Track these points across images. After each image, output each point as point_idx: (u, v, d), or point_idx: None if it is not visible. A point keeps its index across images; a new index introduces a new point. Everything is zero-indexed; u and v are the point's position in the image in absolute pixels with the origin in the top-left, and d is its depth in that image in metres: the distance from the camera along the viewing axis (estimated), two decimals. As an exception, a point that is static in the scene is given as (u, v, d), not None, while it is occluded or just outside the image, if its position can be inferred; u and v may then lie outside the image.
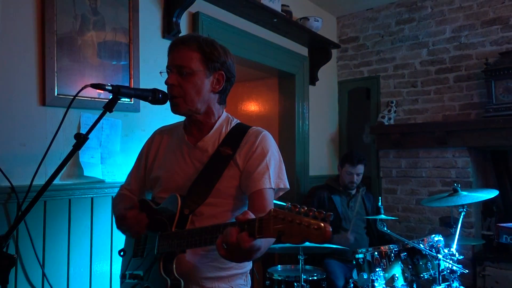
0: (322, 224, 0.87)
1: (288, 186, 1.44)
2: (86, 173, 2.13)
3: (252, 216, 1.03)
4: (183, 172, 1.47)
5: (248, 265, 1.50)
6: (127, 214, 1.40)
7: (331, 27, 4.53)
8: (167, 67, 1.47)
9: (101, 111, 1.36)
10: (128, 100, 2.38)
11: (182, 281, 1.32)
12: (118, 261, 2.26)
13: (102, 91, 1.53)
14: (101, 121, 1.37)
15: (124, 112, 2.38)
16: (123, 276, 1.57)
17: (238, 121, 1.58)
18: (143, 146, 1.69)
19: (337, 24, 4.61)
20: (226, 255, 1.04)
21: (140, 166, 1.66)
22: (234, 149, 1.43)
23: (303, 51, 3.99)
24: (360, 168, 3.32)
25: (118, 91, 1.36)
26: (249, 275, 1.53)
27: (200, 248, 1.33)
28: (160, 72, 1.52)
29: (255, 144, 1.42)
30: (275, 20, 3.32)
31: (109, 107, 1.37)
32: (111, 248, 2.26)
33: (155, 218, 1.41)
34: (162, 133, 1.66)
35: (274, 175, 1.39)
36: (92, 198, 2.17)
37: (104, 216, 2.24)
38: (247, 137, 1.46)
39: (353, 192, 3.40)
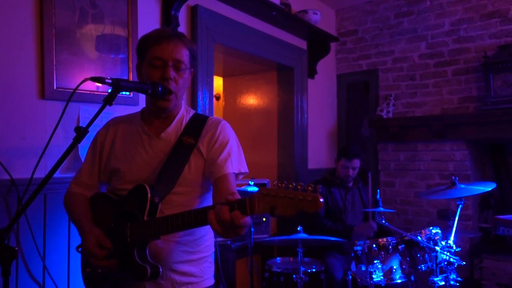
0: (315, 195, 0.98)
1: (247, 170, 1.53)
2: (85, 166, 2.14)
3: (239, 197, 1.13)
4: (146, 163, 1.48)
5: (212, 249, 1.58)
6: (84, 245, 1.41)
7: (330, 20, 4.52)
8: (158, 58, 1.43)
9: (99, 104, 1.36)
10: (127, 93, 2.38)
11: (160, 267, 1.36)
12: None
13: (100, 84, 1.54)
14: (100, 114, 1.38)
15: (123, 105, 2.38)
16: (84, 271, 1.53)
17: (194, 111, 1.63)
18: (95, 138, 1.61)
19: (336, 17, 4.60)
20: (221, 231, 1.09)
21: (95, 158, 1.59)
22: (196, 138, 1.48)
23: (302, 44, 3.99)
24: (356, 162, 3.34)
25: (117, 85, 1.36)
26: (213, 257, 1.60)
27: (172, 234, 1.39)
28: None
29: (216, 133, 1.49)
30: (274, 13, 3.32)
31: (109, 100, 1.37)
32: (111, 241, 2.27)
33: (121, 209, 1.43)
34: (117, 124, 1.61)
35: (235, 160, 1.48)
36: (91, 191, 2.18)
37: (104, 209, 2.25)
38: (207, 126, 1.52)
39: (350, 185, 3.42)
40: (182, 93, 1.53)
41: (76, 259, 2.10)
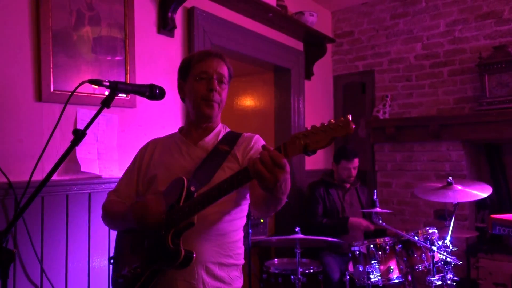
0: (346, 118, 1.06)
1: None
2: (83, 169, 2.14)
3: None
4: (182, 167, 1.53)
5: (242, 261, 1.58)
6: (145, 198, 1.44)
7: (326, 22, 4.53)
8: (204, 73, 1.54)
9: (97, 107, 1.37)
10: (125, 95, 2.38)
11: (193, 252, 1.38)
12: (116, 256, 2.28)
13: (97, 87, 1.54)
14: (98, 117, 1.38)
15: (120, 108, 2.38)
16: (118, 277, 1.56)
17: (230, 129, 1.72)
18: (136, 155, 1.73)
19: (332, 18, 4.62)
20: (264, 169, 1.12)
21: (133, 170, 1.69)
22: (231, 146, 1.56)
23: (299, 45, 4.00)
24: (356, 162, 3.37)
25: (115, 87, 1.37)
26: (241, 272, 1.60)
27: (206, 233, 1.44)
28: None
29: (251, 142, 1.59)
30: (270, 14, 3.32)
31: (106, 103, 1.38)
32: (109, 243, 2.27)
33: None
34: (156, 142, 1.71)
35: None
36: (89, 194, 2.18)
37: (102, 211, 2.25)
38: (242, 138, 1.62)
39: (348, 186, 3.44)
40: (222, 106, 1.61)
41: (74, 261, 2.11)
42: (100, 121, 2.26)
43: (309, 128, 1.12)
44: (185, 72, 1.60)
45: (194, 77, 1.55)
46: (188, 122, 1.64)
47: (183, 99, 1.65)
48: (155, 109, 2.58)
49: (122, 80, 2.39)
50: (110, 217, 1.65)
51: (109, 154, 2.32)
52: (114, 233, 2.28)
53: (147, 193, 1.57)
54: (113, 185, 2.28)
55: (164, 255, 1.38)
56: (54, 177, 2.02)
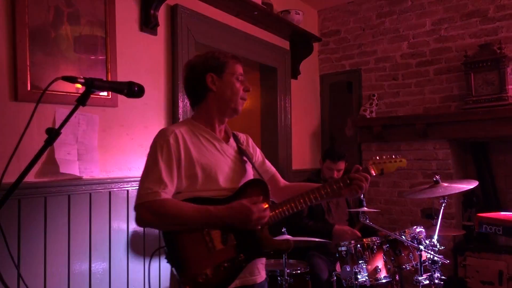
0: (403, 159, 1.85)
1: None
2: (62, 170, 2.07)
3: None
4: (226, 165, 1.68)
5: None
6: (246, 204, 1.54)
7: (312, 21, 4.51)
8: (241, 74, 1.72)
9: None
10: (106, 94, 2.32)
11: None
12: (97, 259, 2.22)
13: (80, 86, 1.48)
14: (77, 116, 1.34)
15: (101, 107, 2.32)
16: (198, 276, 1.52)
17: None
18: (170, 148, 1.58)
19: (318, 17, 4.60)
20: (364, 185, 1.71)
21: (173, 167, 1.58)
22: (242, 144, 1.81)
23: (285, 44, 3.97)
24: (341, 164, 3.32)
25: (91, 84, 1.32)
26: None
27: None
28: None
29: (251, 141, 1.90)
30: (256, 13, 3.29)
31: (82, 100, 1.33)
32: (89, 246, 2.21)
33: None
34: (181, 134, 1.63)
35: None
36: (69, 196, 2.12)
37: (82, 213, 2.19)
38: (241, 137, 1.86)
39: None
40: None
41: (53, 266, 2.04)
42: (80, 121, 2.19)
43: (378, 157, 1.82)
44: (220, 68, 1.68)
45: (232, 75, 1.68)
46: (211, 115, 1.70)
47: (206, 91, 1.67)
48: (137, 108, 2.52)
49: (104, 79, 2.33)
50: (172, 217, 1.52)
51: (90, 154, 2.26)
52: (97, 237, 2.22)
53: (179, 194, 1.60)
54: (95, 186, 2.24)
55: (259, 246, 1.60)
56: (31, 179, 1.97)
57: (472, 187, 2.65)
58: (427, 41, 3.93)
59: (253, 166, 1.78)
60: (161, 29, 2.70)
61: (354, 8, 4.35)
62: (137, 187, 1.57)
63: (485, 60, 3.47)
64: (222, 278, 1.53)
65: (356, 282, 2.52)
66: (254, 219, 1.53)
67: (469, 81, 3.56)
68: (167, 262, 1.54)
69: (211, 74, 1.66)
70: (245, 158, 1.76)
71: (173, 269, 1.53)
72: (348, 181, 1.71)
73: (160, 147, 1.58)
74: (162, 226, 1.55)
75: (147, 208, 1.51)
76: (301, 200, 1.70)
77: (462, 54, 3.63)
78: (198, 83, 1.68)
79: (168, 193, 1.55)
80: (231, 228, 1.56)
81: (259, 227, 1.59)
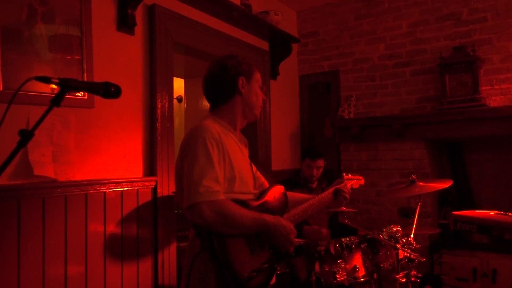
0: (361, 177, 2.36)
1: None
2: (36, 172, 2.03)
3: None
4: (249, 169, 1.77)
5: None
6: (290, 225, 1.71)
7: (291, 22, 4.53)
8: (262, 84, 1.85)
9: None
10: (82, 95, 2.28)
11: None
12: (73, 263, 2.17)
13: (55, 86, 1.45)
14: (52, 117, 1.30)
15: (77, 108, 2.27)
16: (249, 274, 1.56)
17: None
18: (219, 147, 1.58)
19: (297, 18, 4.62)
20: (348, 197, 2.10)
21: (222, 168, 1.58)
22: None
23: (264, 45, 3.97)
24: (320, 162, 3.35)
25: (66, 85, 1.29)
26: None
27: None
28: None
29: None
30: (235, 13, 3.28)
31: (56, 101, 1.29)
32: (65, 250, 2.16)
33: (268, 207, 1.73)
34: (220, 135, 1.63)
35: None
36: (43, 199, 2.07)
37: (58, 217, 2.14)
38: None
39: (314, 186, 3.43)
40: None
41: (27, 271, 1.99)
42: (55, 122, 2.14)
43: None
44: (249, 74, 1.76)
45: (257, 82, 1.79)
46: (235, 117, 1.77)
47: (235, 93, 1.73)
48: (114, 109, 2.48)
49: (81, 80, 2.28)
50: (234, 219, 1.53)
51: (65, 156, 2.21)
52: (73, 240, 2.17)
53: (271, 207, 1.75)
54: (71, 189, 2.20)
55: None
56: (4, 181, 1.91)
57: (447, 186, 2.71)
58: (403, 43, 4.00)
59: (256, 170, 1.87)
60: (139, 29, 2.67)
61: (333, 10, 4.39)
62: (186, 183, 1.52)
63: (459, 62, 3.55)
64: (265, 278, 1.62)
65: (335, 281, 2.54)
66: (293, 240, 1.68)
67: (444, 82, 3.64)
68: (213, 264, 1.51)
69: (242, 77, 1.73)
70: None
71: (220, 270, 1.51)
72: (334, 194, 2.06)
73: (210, 144, 1.56)
74: (222, 227, 1.51)
75: (210, 207, 1.47)
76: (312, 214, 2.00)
77: (437, 56, 3.70)
78: (228, 83, 1.72)
79: (222, 192, 1.55)
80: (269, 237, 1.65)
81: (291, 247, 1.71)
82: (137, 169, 2.62)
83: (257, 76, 1.80)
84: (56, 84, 1.28)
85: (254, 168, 1.85)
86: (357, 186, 2.32)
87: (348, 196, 2.08)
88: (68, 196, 2.18)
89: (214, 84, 1.75)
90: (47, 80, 1.27)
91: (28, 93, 2.01)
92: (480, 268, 3.42)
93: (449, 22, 3.78)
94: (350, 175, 2.29)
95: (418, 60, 3.93)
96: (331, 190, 2.07)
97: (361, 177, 2.35)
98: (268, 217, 1.64)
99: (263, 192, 1.77)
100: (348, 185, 2.17)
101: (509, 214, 1.83)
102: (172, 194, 2.80)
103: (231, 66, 1.72)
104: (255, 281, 1.58)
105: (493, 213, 1.90)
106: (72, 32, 2.28)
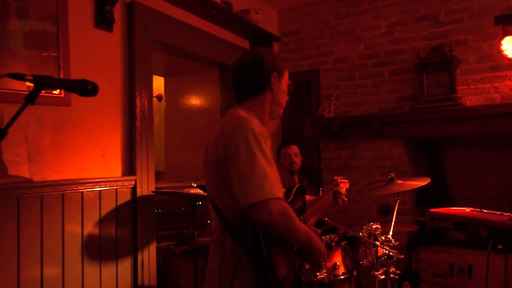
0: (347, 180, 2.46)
1: None
2: (10, 172, 1.98)
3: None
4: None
5: None
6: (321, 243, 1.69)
7: (272, 20, 4.53)
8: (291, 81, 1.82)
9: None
10: (58, 93, 2.22)
11: None
12: (49, 265, 2.12)
13: (31, 84, 1.41)
14: (27, 116, 1.27)
15: (53, 106, 2.22)
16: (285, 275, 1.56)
17: None
18: (264, 142, 1.50)
19: (278, 17, 4.63)
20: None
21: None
22: None
23: (245, 43, 3.96)
24: (294, 148, 3.43)
25: (40, 82, 1.26)
26: None
27: None
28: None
29: None
30: (215, 11, 3.26)
31: (30, 99, 1.26)
32: (41, 251, 2.11)
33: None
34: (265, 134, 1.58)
35: None
36: (18, 199, 2.01)
37: (33, 217, 2.09)
38: None
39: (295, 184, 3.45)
40: None
41: (0, 272, 1.93)
42: (30, 121, 2.09)
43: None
44: (282, 71, 1.73)
45: (285, 81, 1.76)
46: (263, 112, 1.71)
47: (267, 88, 1.69)
48: (92, 107, 2.44)
49: (56, 77, 2.23)
50: (293, 225, 1.48)
51: (41, 155, 2.16)
52: (49, 242, 2.13)
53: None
54: (46, 189, 2.14)
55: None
56: (-24, 181, 1.86)
57: (425, 184, 2.76)
58: (382, 42, 4.05)
59: None
60: (117, 26, 2.62)
61: (313, 9, 4.41)
62: (246, 178, 1.39)
63: (436, 62, 3.61)
64: (298, 277, 1.64)
65: (315, 279, 2.55)
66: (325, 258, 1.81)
67: (421, 82, 3.69)
68: (253, 265, 1.49)
69: (275, 74, 1.70)
70: None
71: (262, 270, 1.49)
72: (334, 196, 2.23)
73: (262, 138, 1.48)
74: (283, 229, 1.44)
75: (277, 206, 1.39)
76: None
77: (415, 56, 3.76)
78: (262, 77, 1.68)
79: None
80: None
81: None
82: (115, 168, 2.58)
83: (286, 75, 1.77)
84: (30, 81, 1.26)
85: None
86: (344, 189, 2.43)
87: (346, 199, 2.23)
88: (44, 196, 2.13)
89: (247, 76, 1.69)
90: (20, 77, 1.24)
91: (1, 90, 1.96)
92: (456, 264, 3.49)
93: (426, 23, 3.84)
94: (340, 178, 2.40)
95: (396, 60, 3.98)
96: (331, 192, 2.16)
97: (347, 181, 2.44)
98: (313, 233, 1.62)
99: (289, 192, 1.77)
100: (344, 188, 2.30)
101: (484, 211, 1.87)
102: (152, 193, 2.76)
103: (267, 61, 1.68)
104: (294, 280, 1.60)
105: (469, 210, 1.93)
106: (48, 29, 2.22)
